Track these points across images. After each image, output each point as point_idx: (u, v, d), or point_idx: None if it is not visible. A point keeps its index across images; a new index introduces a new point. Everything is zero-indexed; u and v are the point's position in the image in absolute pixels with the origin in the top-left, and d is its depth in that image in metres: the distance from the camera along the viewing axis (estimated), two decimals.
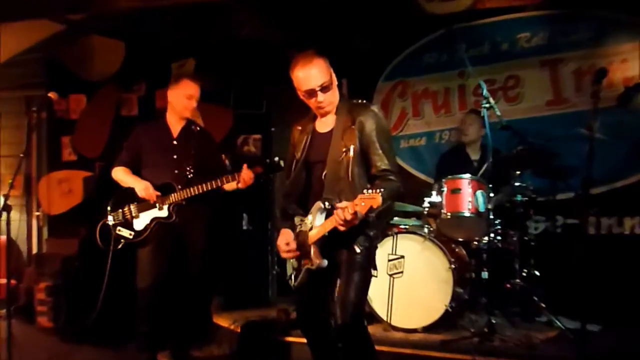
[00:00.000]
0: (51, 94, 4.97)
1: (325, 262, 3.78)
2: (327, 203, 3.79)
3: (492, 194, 5.46)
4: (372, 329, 5.31)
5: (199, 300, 5.54)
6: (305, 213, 3.95)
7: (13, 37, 7.63)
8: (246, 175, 5.00)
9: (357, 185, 3.75)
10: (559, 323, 5.30)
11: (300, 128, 4.09)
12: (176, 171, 5.20)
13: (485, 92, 5.16)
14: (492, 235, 5.67)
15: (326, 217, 3.79)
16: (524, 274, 5.78)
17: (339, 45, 6.81)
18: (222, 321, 6.07)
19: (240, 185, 5.05)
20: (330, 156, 3.84)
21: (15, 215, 4.61)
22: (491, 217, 5.48)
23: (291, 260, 3.99)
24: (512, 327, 5.48)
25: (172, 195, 5.15)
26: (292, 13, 7.03)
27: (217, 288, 6.71)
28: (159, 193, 5.16)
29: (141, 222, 5.21)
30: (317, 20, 6.96)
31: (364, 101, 3.97)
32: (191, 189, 5.09)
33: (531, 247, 5.86)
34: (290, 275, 4.01)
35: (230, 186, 5.16)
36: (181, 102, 5.28)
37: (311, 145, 3.98)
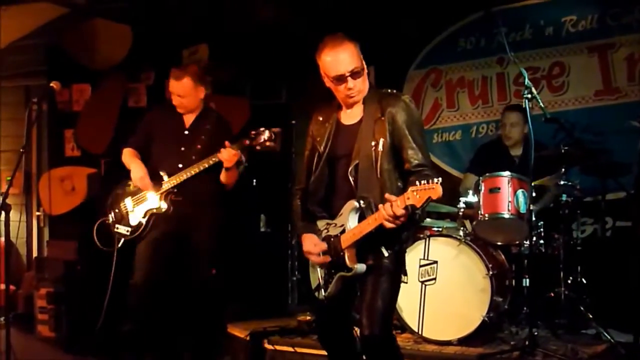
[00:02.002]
0: (53, 84, 5.01)
1: (364, 267, 3.75)
2: (362, 202, 3.75)
3: (534, 194, 5.43)
4: (401, 341, 5.32)
5: (207, 308, 5.56)
6: (329, 215, 3.94)
7: (12, 21, 7.71)
8: (226, 153, 5.02)
9: (386, 183, 3.73)
10: (608, 336, 5.27)
11: (321, 118, 4.04)
12: (180, 165, 5.26)
13: (527, 81, 5.13)
14: (534, 239, 5.66)
15: (359, 218, 3.77)
16: (570, 282, 5.75)
17: (365, 29, 6.82)
18: (238, 331, 6.10)
19: (226, 165, 5.08)
20: (361, 150, 3.80)
21: (14, 215, 4.65)
22: (533, 219, 5.46)
23: (318, 270, 3.96)
24: (557, 340, 5.45)
25: (163, 184, 5.24)
26: None
27: (232, 295, 6.74)
28: (152, 183, 5.27)
29: (136, 216, 5.33)
30: (342, 4, 6.97)
31: (395, 91, 3.96)
32: (178, 176, 5.19)
33: (578, 252, 5.84)
34: (318, 287, 3.97)
35: (224, 175, 5.23)
36: (172, 97, 5.41)
37: (335, 138, 3.95)
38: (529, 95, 5.09)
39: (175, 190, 5.23)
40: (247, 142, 5.00)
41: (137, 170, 5.30)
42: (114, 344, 5.89)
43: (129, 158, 5.42)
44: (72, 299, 6.71)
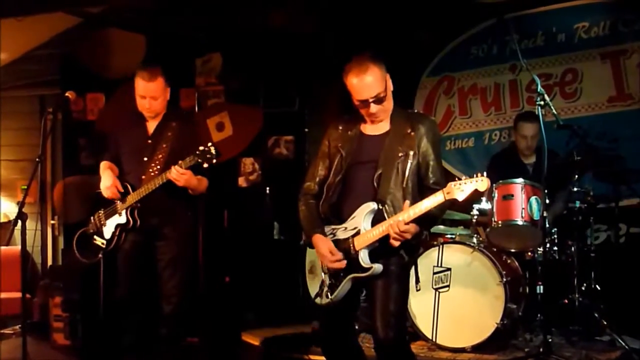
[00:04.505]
0: (69, 94, 5.04)
1: (381, 267, 3.80)
2: (379, 204, 3.83)
3: (547, 201, 5.44)
4: (415, 348, 5.34)
5: (174, 325, 5.26)
6: (338, 219, 3.97)
7: (27, 31, 7.76)
8: (174, 173, 4.84)
9: (410, 193, 3.85)
10: (622, 342, 5.28)
11: (341, 127, 4.11)
12: (143, 176, 5.10)
13: (539, 87, 5.14)
14: (548, 245, 5.66)
15: (374, 220, 3.82)
16: (584, 289, 5.75)
17: (378, 36, 6.85)
18: (252, 339, 6.11)
19: (178, 184, 4.89)
20: (388, 159, 3.89)
21: (29, 224, 4.69)
22: (547, 225, 5.45)
23: (322, 275, 3.99)
24: (571, 346, 5.45)
25: (127, 197, 5.11)
26: (327, 1, 7.08)
27: (247, 303, 6.76)
28: (122, 190, 5.12)
29: (108, 229, 5.20)
30: (355, 10, 7.00)
31: (420, 112, 4.06)
32: (139, 192, 5.04)
33: (591, 259, 5.83)
34: (319, 293, 3.99)
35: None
36: (138, 101, 5.21)
37: (359, 145, 4.02)
38: (542, 102, 5.11)
39: (139, 205, 5.07)
40: (194, 159, 4.78)
41: (105, 179, 5.15)
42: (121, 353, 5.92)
43: (102, 170, 5.29)
44: (87, 307, 6.73)
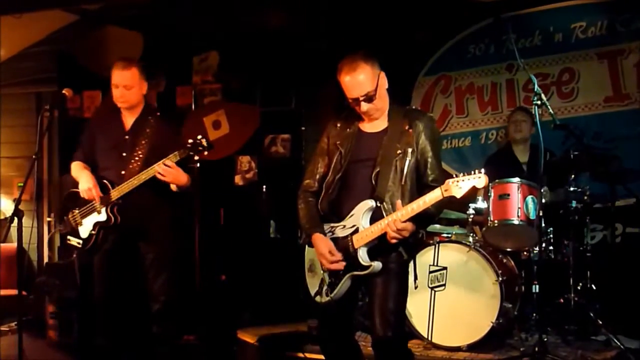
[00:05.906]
0: (66, 91, 5.03)
1: (380, 265, 3.80)
2: (377, 202, 3.83)
3: (543, 200, 5.44)
4: (411, 347, 5.31)
5: (165, 323, 5.22)
6: (337, 217, 3.97)
7: (24, 28, 7.76)
8: (160, 169, 4.80)
9: (409, 191, 3.87)
10: (618, 342, 5.27)
11: (339, 125, 4.12)
12: (123, 172, 5.04)
13: (536, 87, 5.14)
14: (544, 245, 5.67)
15: (373, 219, 3.83)
16: (579, 288, 5.76)
17: (375, 35, 6.85)
18: (248, 337, 6.11)
19: (164, 180, 4.85)
20: (386, 157, 3.90)
21: (25, 221, 4.68)
22: (543, 225, 5.45)
23: (321, 273, 3.99)
24: (566, 346, 5.46)
25: (110, 194, 5.02)
26: (324, 1, 7.08)
27: (243, 301, 6.76)
28: (101, 194, 5.02)
29: (85, 229, 5.12)
30: (352, 9, 7.00)
31: (419, 108, 4.05)
32: (121, 188, 4.97)
33: (587, 259, 5.83)
34: (319, 291, 4.00)
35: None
36: (112, 92, 5.15)
37: (357, 142, 4.02)
38: (539, 102, 5.09)
39: (120, 201, 5.01)
40: (185, 152, 4.76)
41: (84, 181, 5.04)
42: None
43: (78, 171, 5.17)
44: (82, 304, 6.72)
